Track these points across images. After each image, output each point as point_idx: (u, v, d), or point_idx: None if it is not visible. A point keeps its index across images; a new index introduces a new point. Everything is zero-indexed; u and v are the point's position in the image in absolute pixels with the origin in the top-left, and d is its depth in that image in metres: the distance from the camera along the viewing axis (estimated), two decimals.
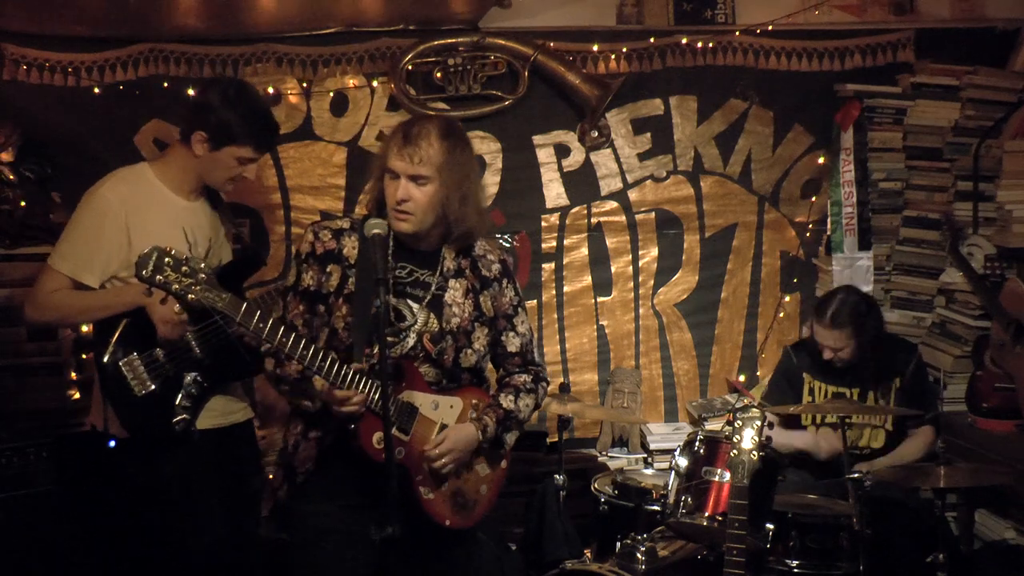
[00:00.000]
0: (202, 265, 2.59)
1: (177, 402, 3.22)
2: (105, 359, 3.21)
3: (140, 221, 3.26)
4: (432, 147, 2.75)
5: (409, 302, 2.83)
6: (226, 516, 3.34)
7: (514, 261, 4.74)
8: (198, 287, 2.56)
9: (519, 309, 3.00)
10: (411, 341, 2.81)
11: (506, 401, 2.93)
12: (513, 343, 2.98)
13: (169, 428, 3.20)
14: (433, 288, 2.85)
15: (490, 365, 3.04)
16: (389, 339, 2.75)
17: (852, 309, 4.04)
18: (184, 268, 2.55)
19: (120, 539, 3.53)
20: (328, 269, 2.82)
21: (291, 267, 2.93)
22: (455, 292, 2.87)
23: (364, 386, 2.68)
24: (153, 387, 3.19)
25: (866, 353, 4.05)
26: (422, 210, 2.77)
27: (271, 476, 3.10)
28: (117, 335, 3.21)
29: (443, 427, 2.81)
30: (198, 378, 3.26)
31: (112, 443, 3.27)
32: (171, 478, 3.25)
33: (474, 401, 2.90)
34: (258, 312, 2.65)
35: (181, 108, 3.42)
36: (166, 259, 2.53)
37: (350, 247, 2.83)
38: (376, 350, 2.72)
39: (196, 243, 3.36)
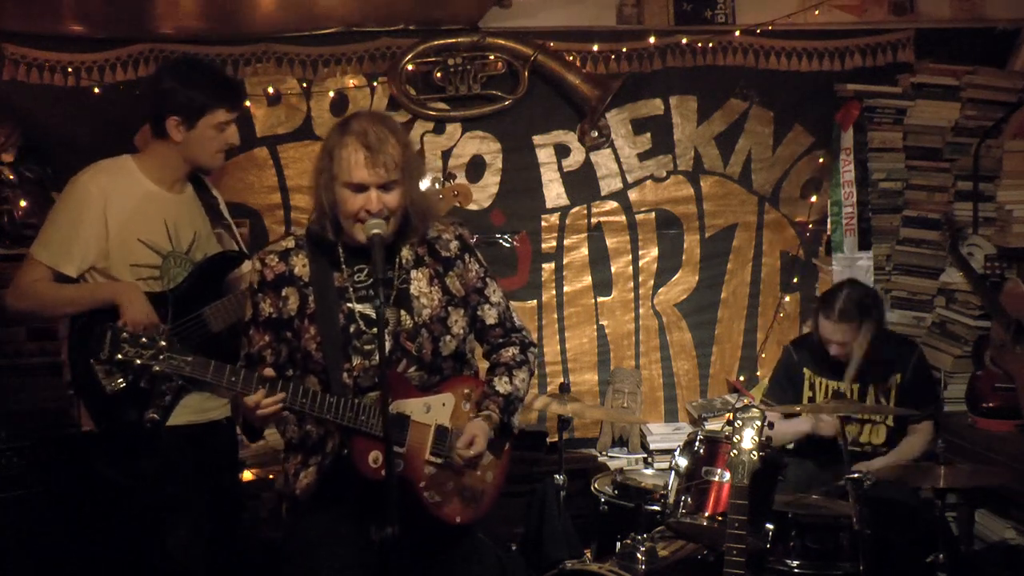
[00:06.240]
0: (158, 335, 2.57)
1: (151, 399, 3.17)
2: (77, 355, 3.20)
3: (119, 211, 3.23)
4: (394, 149, 2.66)
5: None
6: (203, 512, 3.32)
7: (513, 258, 4.76)
8: (161, 356, 2.55)
9: (487, 279, 2.91)
10: (387, 344, 2.71)
11: (502, 386, 2.87)
12: (490, 315, 2.91)
13: (139, 425, 3.17)
14: (396, 284, 2.77)
15: (473, 343, 2.95)
16: (367, 347, 2.71)
17: (858, 302, 4.05)
18: (142, 340, 2.54)
19: (100, 535, 3.53)
20: (283, 293, 2.75)
21: (246, 302, 2.83)
22: (419, 282, 2.79)
23: (363, 410, 2.64)
24: (123, 385, 3.13)
25: (869, 348, 4.06)
26: (395, 215, 2.71)
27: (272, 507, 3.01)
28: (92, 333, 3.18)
29: (439, 428, 2.76)
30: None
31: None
32: (146, 473, 3.23)
33: (465, 391, 2.83)
34: (227, 367, 2.61)
35: (144, 107, 3.37)
36: (122, 335, 2.52)
37: (300, 266, 2.76)
38: (355, 363, 2.70)
39: (178, 236, 3.33)
